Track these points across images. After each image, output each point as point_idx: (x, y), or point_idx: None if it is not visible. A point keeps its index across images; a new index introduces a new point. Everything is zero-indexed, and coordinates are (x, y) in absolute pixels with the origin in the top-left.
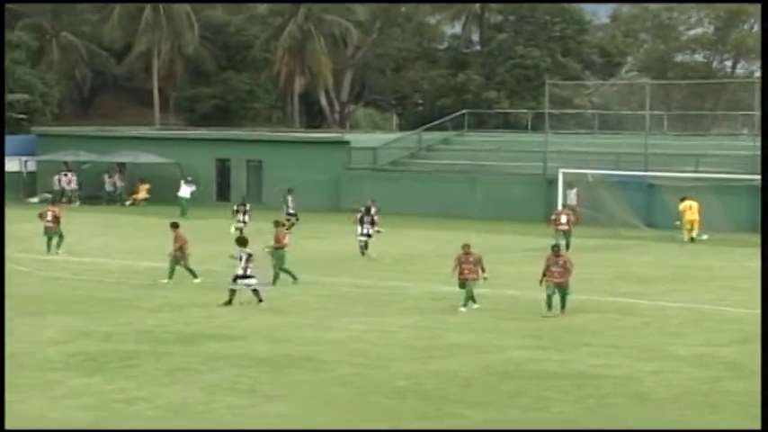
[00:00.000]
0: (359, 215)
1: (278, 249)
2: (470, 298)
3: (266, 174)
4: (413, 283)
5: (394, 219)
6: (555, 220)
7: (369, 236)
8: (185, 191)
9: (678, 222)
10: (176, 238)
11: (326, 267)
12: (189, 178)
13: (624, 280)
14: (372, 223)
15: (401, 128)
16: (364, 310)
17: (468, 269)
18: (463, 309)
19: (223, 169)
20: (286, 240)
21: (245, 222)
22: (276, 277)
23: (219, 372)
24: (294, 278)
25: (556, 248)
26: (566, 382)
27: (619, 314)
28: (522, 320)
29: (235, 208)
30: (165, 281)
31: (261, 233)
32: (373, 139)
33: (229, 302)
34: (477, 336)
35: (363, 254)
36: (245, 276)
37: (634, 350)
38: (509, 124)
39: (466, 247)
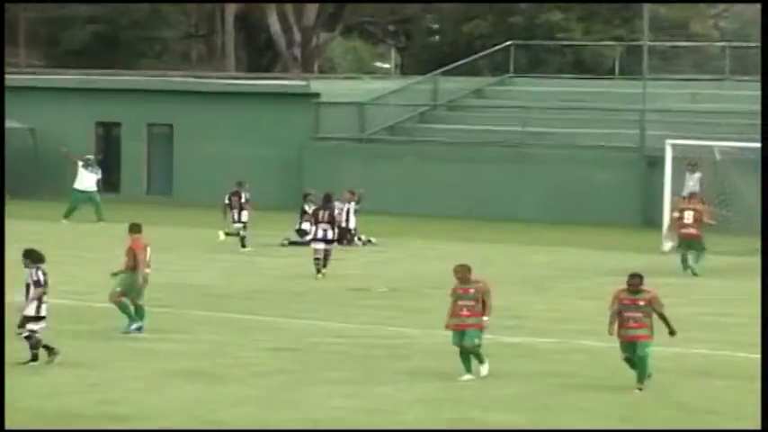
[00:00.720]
0: (313, 209)
1: (131, 270)
2: (479, 356)
3: (180, 147)
4: (422, 328)
5: (394, 222)
6: (678, 219)
7: (329, 241)
8: (87, 180)
9: None
10: None
11: (285, 303)
12: (89, 157)
13: None
14: (331, 222)
15: (404, 71)
16: (347, 373)
17: (467, 309)
18: (468, 377)
19: (108, 140)
20: (147, 255)
21: (243, 223)
22: (132, 317)
23: None
24: (140, 324)
25: (635, 280)
26: None
27: None
28: (605, 391)
29: (226, 200)
30: None
31: (271, 251)
32: (358, 89)
33: (34, 359)
34: (531, 415)
35: (319, 272)
36: (37, 318)
37: None
38: (584, 66)
39: (462, 270)
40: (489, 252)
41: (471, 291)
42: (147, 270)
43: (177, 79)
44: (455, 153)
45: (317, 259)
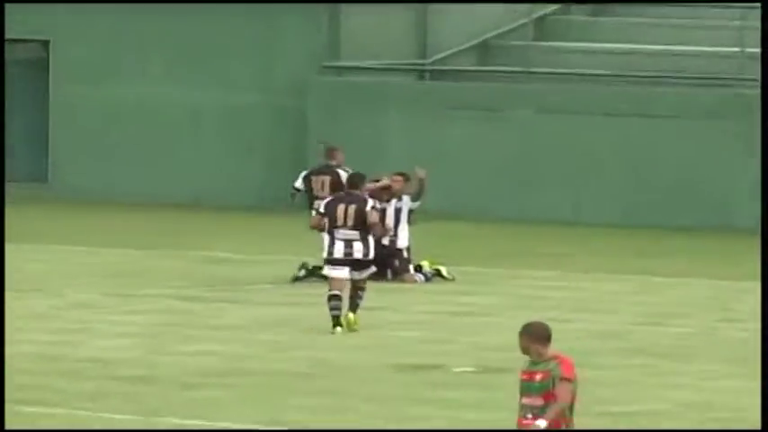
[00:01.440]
0: (327, 201)
1: None
2: None
3: (64, 87)
4: None
5: (485, 236)
6: None
7: (360, 265)
8: None
9: None
10: None
11: (271, 394)
12: None
13: None
14: (359, 226)
15: None
16: None
17: (531, 413)
18: None
19: None
20: None
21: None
22: None
23: None
24: None
25: None
26: None
27: None
28: None
29: (299, 184)
30: None
31: None
32: None
33: None
34: None
35: (338, 323)
36: None
37: None
38: None
39: (528, 337)
40: (673, 293)
41: (538, 377)
42: None
43: None
44: (604, 100)
45: (333, 297)
